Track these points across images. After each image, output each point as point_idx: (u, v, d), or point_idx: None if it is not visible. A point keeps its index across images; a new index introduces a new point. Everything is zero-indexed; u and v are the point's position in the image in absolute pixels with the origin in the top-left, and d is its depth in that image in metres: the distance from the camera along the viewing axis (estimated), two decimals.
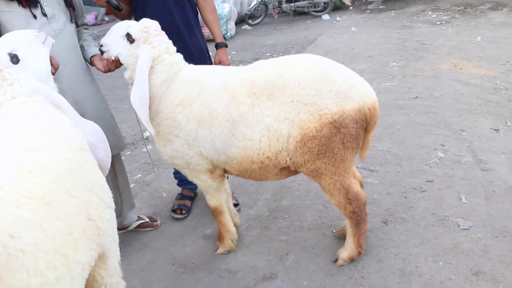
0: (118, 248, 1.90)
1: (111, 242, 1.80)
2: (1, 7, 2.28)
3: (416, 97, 4.92)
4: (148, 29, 2.39)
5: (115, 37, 2.41)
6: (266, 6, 11.22)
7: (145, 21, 2.42)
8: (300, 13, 11.21)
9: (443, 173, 3.34)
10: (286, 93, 2.18)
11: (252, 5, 11.01)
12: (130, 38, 2.38)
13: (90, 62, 2.63)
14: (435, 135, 3.98)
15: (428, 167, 3.46)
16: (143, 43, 2.38)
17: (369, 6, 11.27)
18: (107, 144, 2.07)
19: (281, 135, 2.20)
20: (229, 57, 8.40)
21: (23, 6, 2.31)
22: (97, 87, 2.73)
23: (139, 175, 4.02)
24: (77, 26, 2.64)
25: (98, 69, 2.56)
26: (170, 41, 2.48)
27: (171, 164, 2.58)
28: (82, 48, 2.63)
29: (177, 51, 2.53)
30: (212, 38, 3.04)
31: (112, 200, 1.87)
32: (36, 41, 2.05)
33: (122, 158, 4.30)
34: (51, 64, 2.15)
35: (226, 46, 3.02)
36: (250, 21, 11.13)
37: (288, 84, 2.19)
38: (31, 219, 1.36)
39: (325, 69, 2.22)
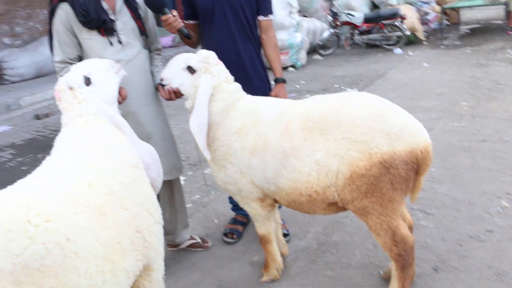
0: (163, 262, 2.03)
1: (157, 255, 1.93)
2: (83, 34, 2.58)
3: (484, 140, 4.70)
4: (208, 59, 2.55)
5: (176, 70, 2.60)
6: (339, 37, 11.30)
7: (203, 52, 2.60)
8: (372, 46, 11.14)
9: (505, 224, 3.16)
10: (338, 130, 2.22)
11: (325, 35, 11.13)
12: (191, 70, 2.54)
13: (156, 87, 2.84)
14: (501, 181, 3.78)
15: (489, 215, 3.29)
16: (203, 73, 2.53)
17: (444, 42, 10.96)
18: (160, 165, 2.24)
19: (330, 170, 2.23)
20: (297, 86, 8.48)
21: (101, 34, 2.57)
22: (162, 111, 2.93)
23: (198, 196, 4.18)
24: (150, 51, 2.87)
25: (162, 97, 2.77)
26: (228, 70, 2.63)
27: (224, 189, 2.69)
28: (152, 73, 2.85)
29: (239, 81, 2.67)
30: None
31: (161, 216, 2.01)
32: (110, 70, 2.29)
33: (184, 178, 4.54)
34: (120, 94, 2.37)
35: (285, 81, 3.12)
36: (321, 51, 11.24)
37: (341, 120, 2.23)
38: (87, 226, 1.53)
39: (379, 108, 2.24)
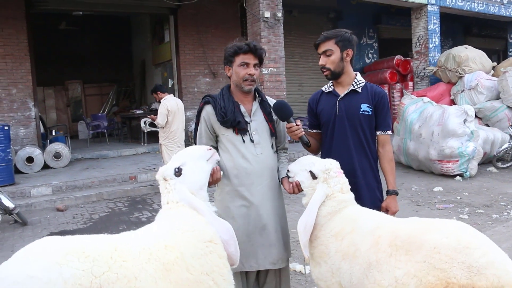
0: None
1: None
2: (222, 131, 3.15)
3: None
4: (329, 172, 2.90)
5: (301, 169, 3.01)
6: None
7: (327, 163, 2.94)
8: None
9: None
10: (421, 253, 2.34)
11: (503, 147, 10.40)
12: (312, 175, 2.94)
13: (280, 181, 3.27)
14: None
15: None
16: (322, 182, 2.89)
17: None
18: (236, 241, 2.57)
19: None
20: (458, 197, 8.08)
21: (235, 133, 3.14)
22: (282, 205, 3.32)
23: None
24: (277, 150, 3.35)
25: (285, 190, 3.18)
26: (346, 181, 2.95)
27: (316, 285, 2.94)
28: (277, 169, 3.29)
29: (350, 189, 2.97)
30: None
31: None
32: (203, 157, 2.67)
33: (300, 272, 4.82)
34: (213, 177, 2.81)
35: (397, 194, 3.31)
36: (498, 164, 10.48)
37: (425, 245, 2.35)
38: (151, 274, 2.05)
39: (464, 240, 2.28)
